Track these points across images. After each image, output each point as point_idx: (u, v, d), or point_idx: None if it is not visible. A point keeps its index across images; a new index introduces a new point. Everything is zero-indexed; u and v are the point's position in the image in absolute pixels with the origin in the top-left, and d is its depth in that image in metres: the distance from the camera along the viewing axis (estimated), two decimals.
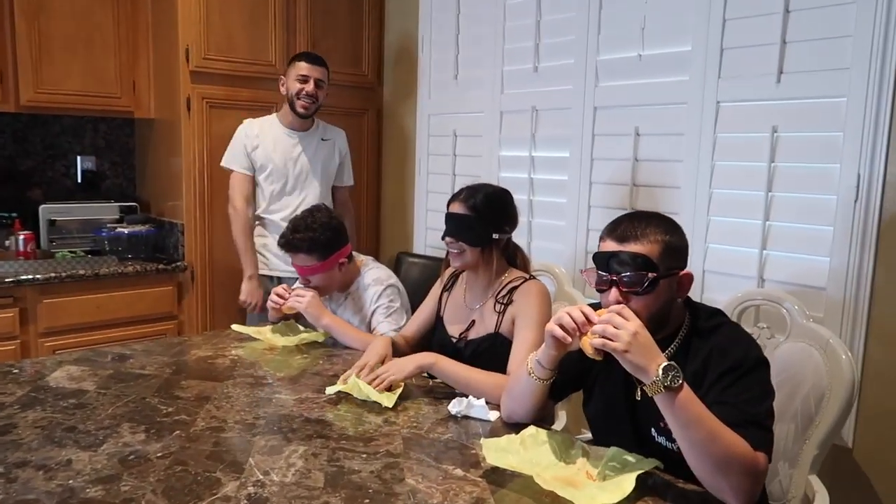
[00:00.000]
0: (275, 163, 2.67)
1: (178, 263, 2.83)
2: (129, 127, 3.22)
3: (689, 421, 1.16)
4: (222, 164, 2.69)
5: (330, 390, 1.71)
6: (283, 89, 2.69)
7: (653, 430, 1.37)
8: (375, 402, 1.63)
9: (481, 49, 2.81)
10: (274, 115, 2.77)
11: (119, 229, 2.85)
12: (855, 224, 1.79)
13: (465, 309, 1.94)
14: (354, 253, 2.33)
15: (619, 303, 1.32)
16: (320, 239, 2.11)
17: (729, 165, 2.04)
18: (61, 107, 2.80)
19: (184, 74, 2.76)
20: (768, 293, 1.76)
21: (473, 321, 1.89)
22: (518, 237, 2.61)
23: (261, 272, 2.72)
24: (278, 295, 2.16)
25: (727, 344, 1.32)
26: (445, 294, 2.02)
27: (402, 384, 1.70)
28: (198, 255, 2.86)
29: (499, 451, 1.30)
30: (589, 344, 1.24)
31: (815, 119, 1.86)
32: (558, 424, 1.82)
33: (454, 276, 2.03)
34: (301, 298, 2.10)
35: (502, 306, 1.84)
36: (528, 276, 1.87)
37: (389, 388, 1.66)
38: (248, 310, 2.69)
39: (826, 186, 1.84)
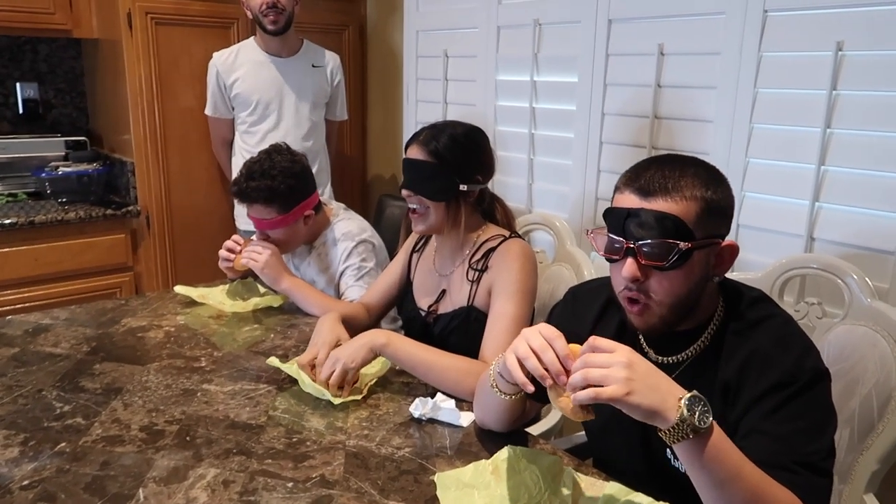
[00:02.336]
0: (257, 95, 2.33)
1: (130, 208, 2.48)
2: (76, 48, 2.82)
3: (725, 479, 0.82)
4: (206, 111, 2.40)
5: (272, 362, 1.40)
6: (248, 13, 2.32)
7: (667, 449, 1.04)
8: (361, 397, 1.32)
9: None
10: (251, 39, 2.40)
11: (62, 169, 2.49)
12: None
13: (436, 275, 1.59)
14: (324, 200, 1.97)
15: (635, 279, 0.97)
16: (280, 188, 1.75)
17: (776, 93, 1.62)
18: None
19: None
20: (822, 260, 1.38)
21: (444, 291, 1.55)
22: (518, 177, 2.26)
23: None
24: (228, 249, 1.82)
25: (773, 348, 0.96)
26: (416, 255, 1.66)
27: (361, 378, 1.37)
28: (153, 197, 2.51)
29: (460, 490, 0.97)
30: (570, 405, 0.87)
31: (893, 29, 1.42)
32: (545, 424, 1.49)
33: (423, 238, 1.66)
34: (257, 255, 1.75)
35: (476, 273, 1.48)
36: (507, 235, 1.50)
37: (342, 386, 1.33)
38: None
39: None
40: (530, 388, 0.95)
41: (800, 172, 1.58)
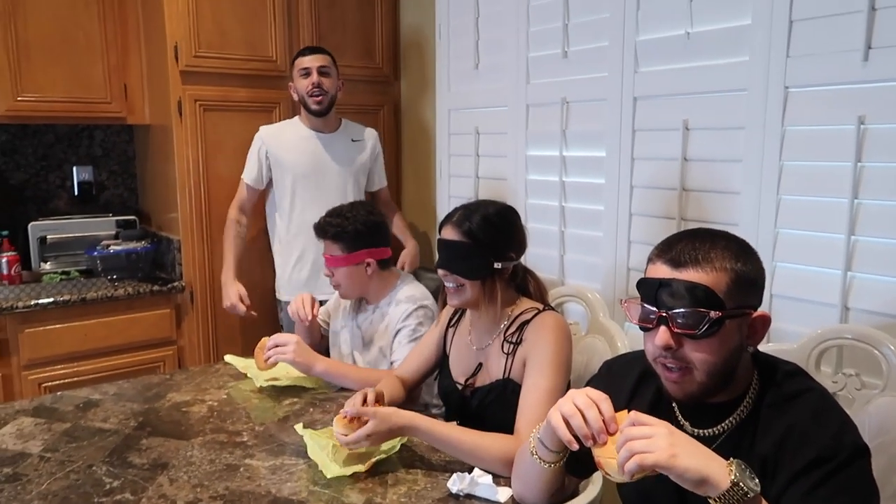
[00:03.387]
0: (297, 169, 2.46)
1: (175, 284, 2.58)
2: (128, 133, 3.00)
3: None
4: (242, 176, 2.53)
5: (298, 429, 1.46)
6: (294, 95, 2.50)
7: None
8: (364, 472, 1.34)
9: (503, 32, 2.46)
10: (295, 117, 2.56)
11: (112, 247, 2.62)
12: None
13: (472, 350, 1.62)
14: (395, 268, 2.05)
15: (668, 347, 0.99)
16: (349, 229, 1.89)
17: (802, 166, 1.65)
18: (43, 115, 2.58)
19: (173, 75, 2.50)
20: (857, 330, 1.38)
21: (480, 365, 1.57)
22: (549, 248, 2.30)
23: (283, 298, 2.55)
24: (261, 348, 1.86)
25: (811, 423, 0.97)
26: (451, 329, 1.70)
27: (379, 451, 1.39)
28: (197, 273, 2.61)
29: None
30: (615, 462, 0.90)
31: None
32: (584, 498, 1.47)
33: (461, 308, 1.70)
34: (283, 348, 1.77)
35: (511, 346, 1.51)
36: (541, 308, 1.53)
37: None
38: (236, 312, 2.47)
39: None
40: (575, 446, 0.97)
41: (830, 242, 1.59)
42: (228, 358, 1.97)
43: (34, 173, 2.82)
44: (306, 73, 2.42)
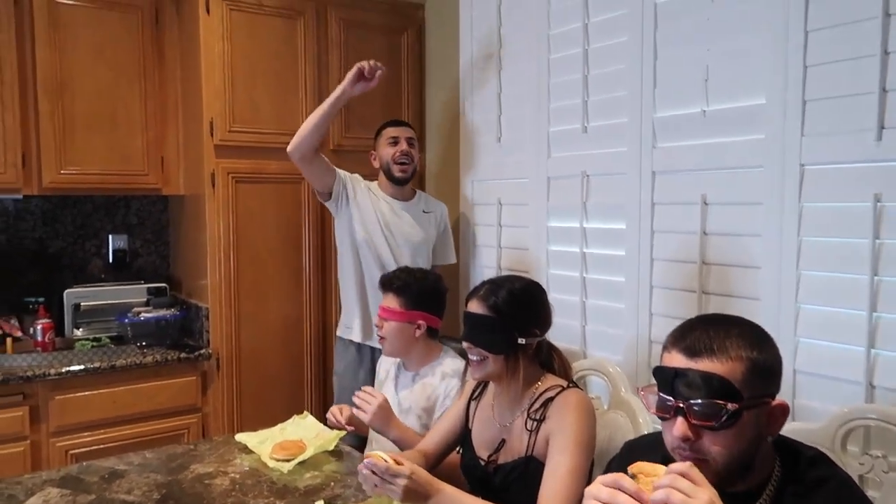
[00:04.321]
0: (369, 224, 2.50)
1: (202, 351, 2.63)
2: (163, 203, 3.11)
3: None
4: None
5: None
6: (375, 162, 2.59)
7: None
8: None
9: (524, 108, 2.54)
10: (374, 182, 2.63)
11: (143, 314, 2.69)
12: None
13: (495, 425, 1.62)
14: (437, 341, 2.09)
15: (686, 438, 0.98)
16: (414, 287, 1.96)
17: (820, 242, 1.67)
18: (84, 187, 2.70)
19: (208, 149, 2.62)
20: (882, 411, 1.36)
21: (503, 441, 1.57)
22: (571, 319, 2.31)
23: (343, 335, 2.57)
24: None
25: None
26: (474, 403, 1.71)
27: None
28: (223, 340, 2.66)
29: None
30: None
31: None
32: None
33: (484, 381, 1.72)
34: (367, 406, 1.81)
35: (535, 423, 1.51)
36: (565, 385, 1.53)
37: None
38: None
39: None
40: None
41: (852, 319, 1.59)
42: (240, 437, 1.95)
43: (72, 241, 2.93)
44: (394, 141, 2.52)
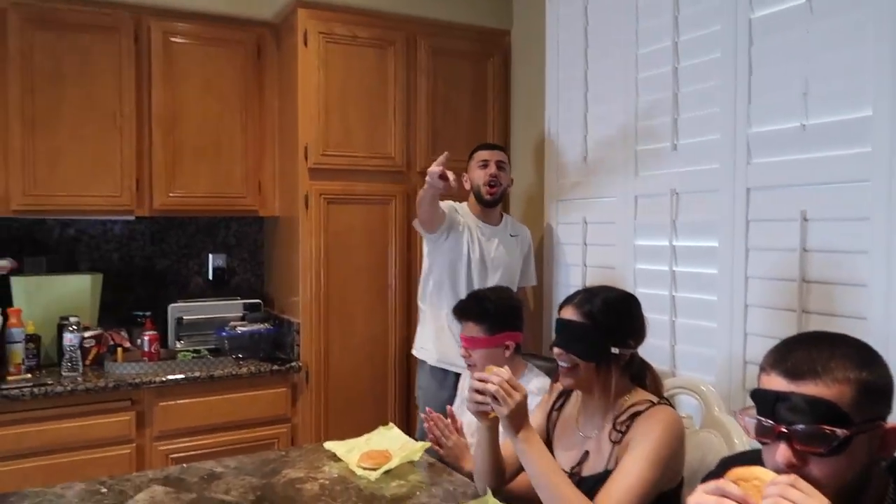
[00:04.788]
0: (463, 249, 2.55)
1: (293, 364, 2.73)
2: (259, 224, 3.27)
3: None
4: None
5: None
6: (466, 185, 2.65)
7: None
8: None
9: (611, 128, 2.54)
10: (464, 203, 2.69)
11: (239, 328, 2.82)
12: None
13: (579, 436, 1.60)
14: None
15: (791, 466, 0.93)
16: (492, 310, 1.98)
17: None
18: (189, 209, 2.88)
19: (302, 172, 2.74)
20: None
21: (587, 452, 1.54)
22: (660, 339, 2.25)
23: (430, 362, 2.58)
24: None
25: None
26: (555, 414, 1.69)
27: None
28: (313, 354, 2.75)
29: None
30: None
31: None
32: None
33: (566, 393, 1.70)
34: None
35: (620, 435, 1.48)
36: (655, 401, 1.50)
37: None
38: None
39: None
40: None
41: None
42: (328, 445, 1.99)
43: (176, 260, 3.12)
44: (484, 164, 2.58)
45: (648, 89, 2.37)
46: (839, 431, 0.91)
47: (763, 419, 0.98)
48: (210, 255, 3.17)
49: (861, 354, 0.98)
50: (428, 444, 1.93)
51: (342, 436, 2.08)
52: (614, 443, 1.49)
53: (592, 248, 2.64)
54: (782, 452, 0.95)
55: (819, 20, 1.83)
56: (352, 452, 1.93)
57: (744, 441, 1.57)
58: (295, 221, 2.80)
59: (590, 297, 1.55)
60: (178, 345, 2.88)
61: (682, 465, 1.49)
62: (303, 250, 2.75)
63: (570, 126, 2.77)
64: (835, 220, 1.79)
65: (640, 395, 1.54)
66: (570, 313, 1.55)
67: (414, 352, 2.66)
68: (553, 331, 1.63)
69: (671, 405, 1.54)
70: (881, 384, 0.96)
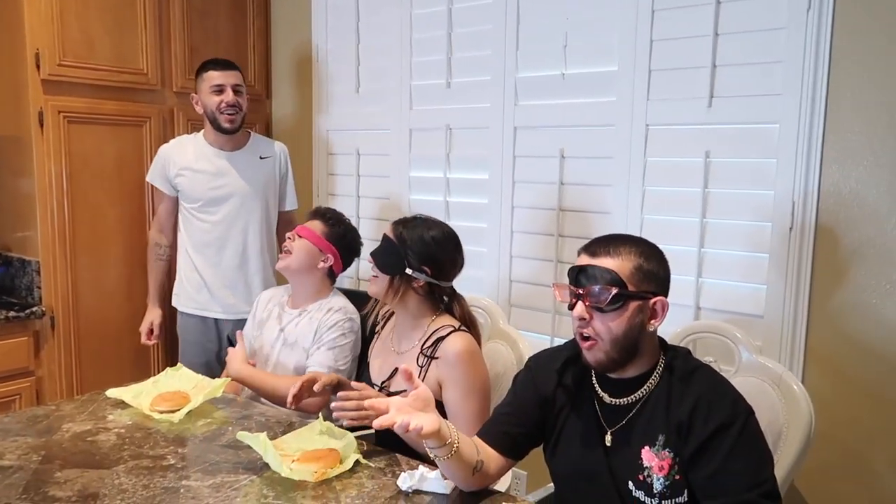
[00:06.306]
0: (204, 189, 2.35)
1: (34, 309, 2.37)
2: None
3: None
4: (147, 178, 2.45)
5: (242, 436, 1.49)
6: (198, 108, 2.37)
7: (630, 483, 1.24)
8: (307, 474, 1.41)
9: (386, 61, 2.60)
10: (199, 133, 2.43)
11: None
12: (790, 251, 1.78)
13: (391, 352, 1.77)
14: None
15: (582, 319, 1.24)
16: (343, 224, 2.06)
17: (661, 191, 1.99)
18: None
19: (34, 84, 2.32)
20: (715, 325, 1.70)
21: (397, 369, 1.69)
22: None
23: (185, 310, 2.47)
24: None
25: (712, 394, 1.23)
26: (375, 334, 1.84)
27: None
28: (59, 298, 2.41)
29: None
30: None
31: (747, 145, 1.84)
32: (502, 485, 1.64)
33: (387, 317, 1.83)
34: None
35: (427, 360, 1.67)
36: (457, 325, 1.69)
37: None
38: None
39: (761, 213, 1.82)
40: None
41: (685, 254, 1.92)
42: (111, 392, 1.83)
43: None
44: (219, 89, 2.30)
45: (423, 27, 2.48)
46: (615, 290, 1.21)
47: (571, 286, 1.27)
48: None
49: (646, 247, 1.28)
50: (228, 380, 1.89)
51: (101, 387, 1.89)
52: (421, 367, 1.66)
53: (367, 179, 2.72)
54: (577, 308, 1.24)
55: None
56: (140, 397, 1.81)
57: (527, 346, 1.84)
58: (23, 142, 2.37)
59: (408, 224, 1.71)
60: None
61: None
62: (39, 177, 2.35)
63: (341, 57, 2.75)
64: (587, 157, 2.13)
65: (445, 320, 1.71)
66: (388, 230, 1.73)
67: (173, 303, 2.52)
68: None
69: (473, 331, 1.73)
70: (652, 269, 1.26)
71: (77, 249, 2.45)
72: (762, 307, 1.82)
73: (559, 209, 2.17)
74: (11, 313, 2.32)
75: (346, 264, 2.06)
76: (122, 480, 1.39)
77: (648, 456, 1.23)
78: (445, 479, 1.36)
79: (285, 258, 1.99)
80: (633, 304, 1.23)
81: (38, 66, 2.32)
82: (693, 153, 1.91)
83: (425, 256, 1.69)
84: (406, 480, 1.36)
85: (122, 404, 1.79)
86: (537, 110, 2.21)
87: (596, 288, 1.22)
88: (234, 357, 1.91)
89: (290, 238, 2.00)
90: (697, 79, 1.88)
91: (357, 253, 2.11)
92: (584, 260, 1.27)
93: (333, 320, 1.94)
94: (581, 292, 1.24)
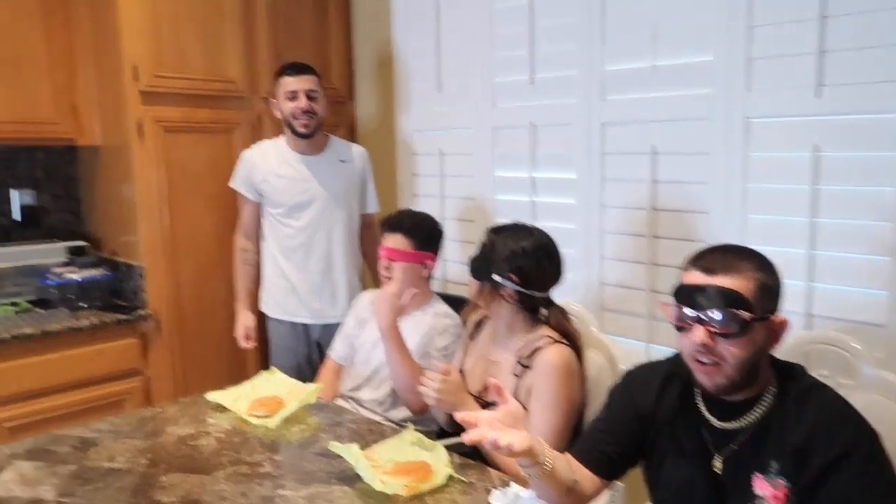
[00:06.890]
0: (289, 195, 2.40)
1: (140, 312, 2.50)
2: (71, 154, 2.85)
3: None
4: (230, 183, 2.49)
5: (333, 447, 1.51)
6: (276, 113, 2.42)
7: None
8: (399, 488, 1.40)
9: (467, 58, 2.56)
10: (280, 138, 2.47)
11: (68, 275, 2.50)
12: None
13: (486, 360, 1.76)
14: None
15: (704, 345, 1.13)
16: (425, 225, 2.04)
17: (764, 188, 1.85)
18: None
19: (132, 96, 2.43)
20: (830, 336, 1.57)
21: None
22: None
23: (275, 316, 2.52)
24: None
25: (832, 416, 1.13)
26: (469, 342, 1.85)
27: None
28: (163, 300, 2.53)
29: None
30: None
31: (862, 137, 1.68)
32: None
33: (479, 323, 1.85)
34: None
35: (522, 368, 1.63)
36: (556, 338, 1.65)
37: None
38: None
39: (879, 212, 1.67)
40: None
41: (793, 257, 1.78)
42: (211, 396, 1.90)
43: None
44: (293, 96, 2.32)
45: (504, 22, 2.41)
46: (746, 315, 1.11)
47: (684, 308, 1.16)
48: (14, 192, 2.72)
49: (760, 260, 1.18)
50: (322, 386, 1.92)
51: (202, 387, 1.96)
52: (517, 376, 1.63)
53: (451, 179, 2.70)
54: (699, 334, 1.13)
55: None
56: (239, 401, 1.87)
57: (620, 355, 1.77)
58: (125, 152, 2.49)
59: (500, 231, 1.71)
60: None
61: (583, 392, 1.68)
62: (140, 186, 2.47)
63: (423, 55, 2.73)
64: (680, 154, 2.02)
65: (544, 331, 1.67)
66: (483, 235, 1.74)
67: (261, 308, 2.57)
68: None
69: (574, 345, 1.68)
70: (773, 285, 1.18)
71: (178, 254, 2.56)
72: (883, 315, 1.67)
73: (651, 208, 2.07)
74: (120, 317, 2.46)
75: (437, 255, 2.09)
76: (222, 487, 1.44)
77: (761, 484, 1.15)
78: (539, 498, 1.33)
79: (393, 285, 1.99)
80: (759, 327, 1.14)
81: (135, 79, 2.42)
82: (799, 147, 1.77)
83: (511, 265, 1.66)
84: (499, 498, 1.33)
85: (220, 408, 1.86)
86: (626, 105, 2.12)
87: (718, 313, 1.12)
88: (388, 305, 1.87)
89: (386, 267, 2.01)
90: (803, 66, 1.74)
91: (442, 236, 2.12)
92: (700, 278, 1.15)
93: (444, 326, 1.96)
94: (702, 315, 1.13)
